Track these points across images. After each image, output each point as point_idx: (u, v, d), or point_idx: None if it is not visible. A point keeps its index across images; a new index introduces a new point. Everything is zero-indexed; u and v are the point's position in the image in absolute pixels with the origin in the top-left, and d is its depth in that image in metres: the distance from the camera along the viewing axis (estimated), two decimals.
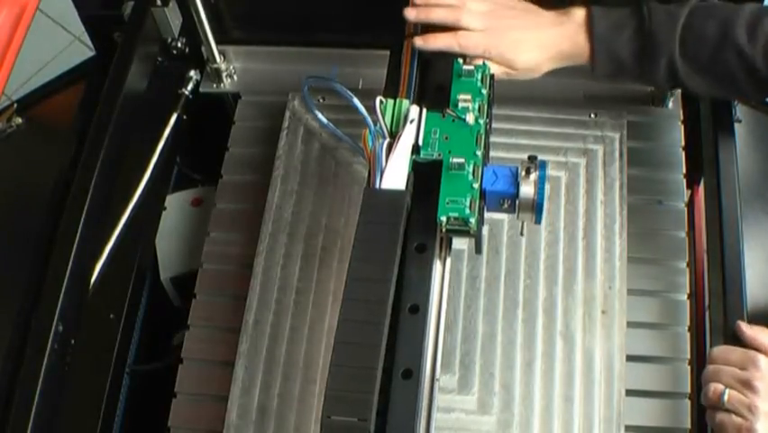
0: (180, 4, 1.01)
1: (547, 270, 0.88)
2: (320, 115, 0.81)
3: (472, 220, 0.73)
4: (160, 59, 1.04)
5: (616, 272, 0.87)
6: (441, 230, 0.74)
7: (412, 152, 0.76)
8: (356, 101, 0.77)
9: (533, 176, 0.74)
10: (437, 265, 0.75)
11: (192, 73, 1.04)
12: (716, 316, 0.85)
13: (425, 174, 0.76)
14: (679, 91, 0.99)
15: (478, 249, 0.81)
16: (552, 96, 0.99)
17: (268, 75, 1.04)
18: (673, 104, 0.99)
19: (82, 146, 0.91)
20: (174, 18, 1.02)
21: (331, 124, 0.82)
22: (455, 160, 0.74)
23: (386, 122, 0.77)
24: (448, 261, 0.77)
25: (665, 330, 0.88)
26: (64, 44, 1.70)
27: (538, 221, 0.76)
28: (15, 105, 1.01)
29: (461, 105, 0.78)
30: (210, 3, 1.00)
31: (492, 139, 0.94)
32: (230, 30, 1.05)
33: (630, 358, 0.85)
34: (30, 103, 1.05)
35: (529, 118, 0.96)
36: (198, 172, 1.07)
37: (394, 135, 0.76)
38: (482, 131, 0.77)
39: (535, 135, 0.95)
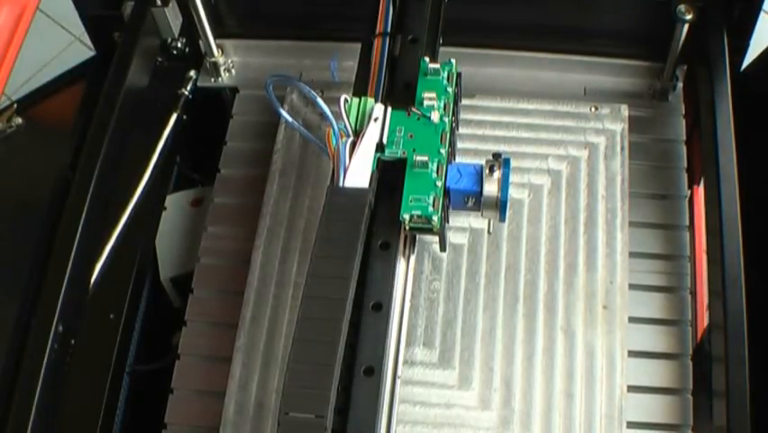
0: (180, 3, 1.01)
1: (548, 264, 0.87)
2: (285, 113, 0.80)
3: (435, 218, 0.73)
4: (159, 59, 1.04)
5: (617, 267, 0.86)
6: (404, 228, 0.74)
7: (376, 151, 0.76)
8: (319, 100, 0.77)
9: (496, 174, 0.74)
10: (401, 263, 0.75)
11: (192, 73, 1.04)
12: (716, 315, 0.84)
13: (390, 172, 0.76)
14: (681, 85, 0.99)
15: (442, 247, 0.81)
16: (553, 89, 0.99)
17: (266, 69, 1.03)
18: (675, 98, 0.98)
19: (82, 146, 0.90)
20: (174, 18, 1.02)
21: (296, 123, 0.82)
22: (419, 158, 0.74)
23: (350, 120, 0.77)
24: (412, 258, 0.77)
25: (667, 326, 0.87)
26: (64, 44, 1.70)
27: (502, 219, 0.76)
28: (15, 106, 1.01)
29: (426, 103, 0.78)
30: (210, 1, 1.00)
31: (493, 132, 0.94)
32: (228, 23, 1.05)
33: (631, 354, 0.84)
34: (30, 103, 1.04)
35: (530, 111, 0.95)
36: (198, 172, 1.07)
37: (358, 134, 0.76)
38: (447, 129, 0.77)
39: (536, 128, 0.94)
